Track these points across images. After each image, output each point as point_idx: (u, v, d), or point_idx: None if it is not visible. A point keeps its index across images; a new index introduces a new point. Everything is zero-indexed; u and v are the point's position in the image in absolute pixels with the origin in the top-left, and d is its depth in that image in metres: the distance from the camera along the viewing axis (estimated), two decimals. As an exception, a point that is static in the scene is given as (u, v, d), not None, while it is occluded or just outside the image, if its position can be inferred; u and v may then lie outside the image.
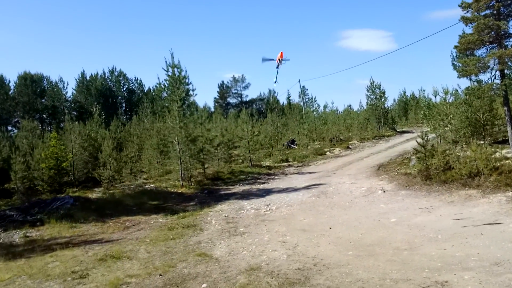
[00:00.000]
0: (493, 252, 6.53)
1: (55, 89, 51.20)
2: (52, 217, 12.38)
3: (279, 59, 34.47)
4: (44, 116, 51.47)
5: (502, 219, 8.48)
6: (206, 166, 20.10)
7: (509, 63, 13.80)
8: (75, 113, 50.49)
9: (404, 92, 48.47)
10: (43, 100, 50.70)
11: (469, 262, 6.20)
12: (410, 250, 7.12)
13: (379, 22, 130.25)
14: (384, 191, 12.77)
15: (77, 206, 13.83)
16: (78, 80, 55.09)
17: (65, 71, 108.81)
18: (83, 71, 56.59)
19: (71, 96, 54.15)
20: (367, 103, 37.06)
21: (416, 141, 14.57)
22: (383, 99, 35.72)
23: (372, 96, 35.91)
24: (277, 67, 34.53)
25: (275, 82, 39.13)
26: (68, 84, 52.99)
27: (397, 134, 33.55)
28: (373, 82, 35.57)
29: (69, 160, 19.88)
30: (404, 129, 36.91)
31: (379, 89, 35.49)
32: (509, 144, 14.64)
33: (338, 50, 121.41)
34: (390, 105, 42.74)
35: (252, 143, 23.51)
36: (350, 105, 47.60)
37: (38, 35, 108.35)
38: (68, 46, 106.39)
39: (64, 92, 51.85)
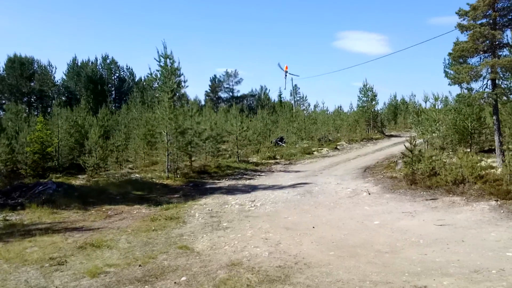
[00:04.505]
0: (473, 260, 6.56)
1: (44, 73, 50.59)
2: (33, 202, 12.18)
3: (285, 71, 43.09)
4: (32, 100, 50.84)
5: (484, 227, 8.56)
6: (193, 159, 19.97)
7: (501, 73, 13.91)
8: (63, 98, 49.94)
9: (395, 96, 48.68)
10: (32, 84, 50.02)
11: (449, 268, 6.22)
12: (392, 253, 7.13)
13: (373, 25, 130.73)
14: (369, 194, 12.80)
15: (59, 192, 13.62)
16: (69, 66, 54.50)
17: (58, 56, 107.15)
18: (75, 56, 56.07)
19: (60, 81, 53.56)
20: (357, 105, 37.15)
21: (404, 145, 14.63)
22: (374, 102, 35.84)
23: (363, 98, 35.98)
24: (285, 77, 42.88)
25: (285, 89, 53.33)
26: (56, 69, 52.46)
27: (385, 137, 33.76)
28: (366, 85, 35.69)
29: (54, 145, 19.63)
30: (392, 133, 37.14)
31: (371, 91, 35.58)
32: (495, 153, 14.79)
33: (333, 51, 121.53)
34: (380, 109, 42.96)
35: (241, 138, 23.45)
36: (340, 106, 47.84)
37: (31, 20, 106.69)
38: (62, 32, 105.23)
39: (52, 77, 51.21)
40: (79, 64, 54.69)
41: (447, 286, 5.54)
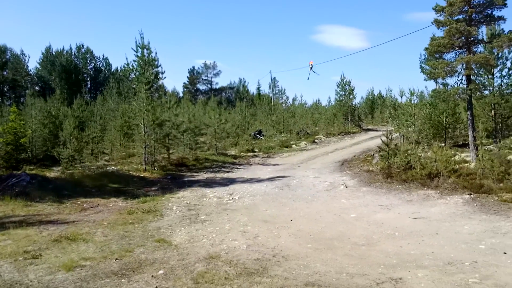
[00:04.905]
0: (447, 252, 6.71)
1: (17, 62, 49.25)
2: (6, 194, 11.89)
3: (311, 65, 41.72)
4: (5, 89, 49.44)
5: (457, 220, 8.76)
6: (171, 151, 19.80)
7: (476, 69, 14.18)
8: (37, 88, 48.78)
9: (372, 91, 49.42)
10: (5, 73, 48.62)
11: (423, 261, 6.34)
12: (368, 246, 7.24)
13: (351, 20, 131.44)
14: (346, 187, 12.94)
15: (33, 184, 13.33)
16: (43, 54, 53.15)
17: (32, 46, 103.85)
18: (50, 45, 54.63)
19: (34, 71, 52.24)
20: (335, 99, 37.42)
21: (381, 139, 14.81)
22: (351, 96, 36.12)
23: (341, 92, 36.22)
24: (309, 69, 41.29)
25: (308, 79, 47.96)
26: (30, 58, 51.07)
27: (362, 131, 34.12)
28: (343, 79, 35.93)
29: (28, 136, 19.14)
30: (369, 127, 37.55)
31: (349, 85, 35.84)
32: (469, 147, 15.11)
33: (312, 44, 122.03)
34: (358, 103, 43.38)
35: (219, 131, 23.37)
36: (318, 100, 48.15)
37: (4, 8, 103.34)
38: (37, 20, 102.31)
39: (26, 66, 49.90)
40: (53, 53, 53.38)
41: (422, 278, 5.65)
